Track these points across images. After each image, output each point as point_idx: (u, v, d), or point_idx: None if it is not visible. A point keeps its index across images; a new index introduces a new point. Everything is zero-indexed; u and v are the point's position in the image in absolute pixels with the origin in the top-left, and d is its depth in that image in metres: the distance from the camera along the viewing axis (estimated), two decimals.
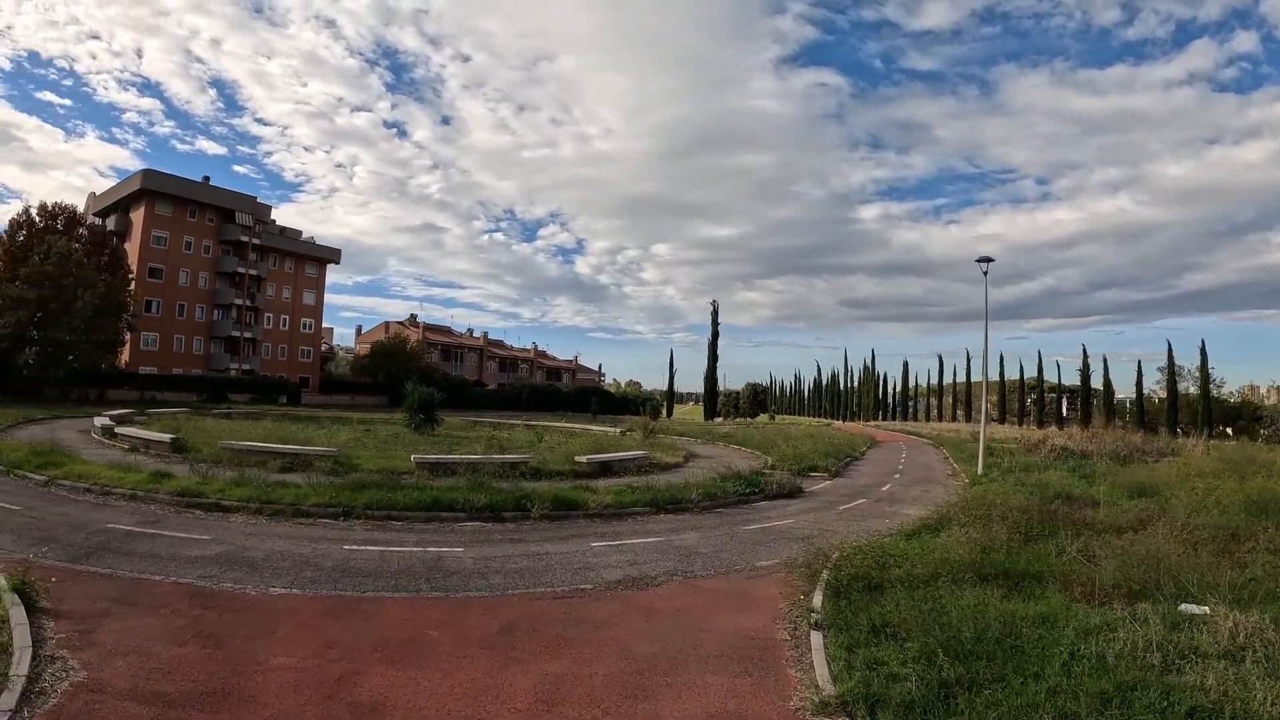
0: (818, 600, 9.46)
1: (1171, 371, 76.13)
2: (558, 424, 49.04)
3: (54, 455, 19.41)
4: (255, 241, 75.30)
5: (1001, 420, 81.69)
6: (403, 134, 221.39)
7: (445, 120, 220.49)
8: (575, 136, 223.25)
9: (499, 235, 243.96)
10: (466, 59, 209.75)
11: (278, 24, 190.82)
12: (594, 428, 44.94)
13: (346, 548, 12.62)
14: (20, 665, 6.60)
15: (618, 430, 42.23)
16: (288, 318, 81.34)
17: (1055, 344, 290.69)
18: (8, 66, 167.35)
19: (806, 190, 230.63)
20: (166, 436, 24.38)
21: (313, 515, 15.10)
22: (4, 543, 11.58)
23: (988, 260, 28.79)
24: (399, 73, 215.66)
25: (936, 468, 31.95)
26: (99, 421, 29.79)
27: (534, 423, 49.29)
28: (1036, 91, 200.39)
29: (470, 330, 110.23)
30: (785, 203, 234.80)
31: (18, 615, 7.79)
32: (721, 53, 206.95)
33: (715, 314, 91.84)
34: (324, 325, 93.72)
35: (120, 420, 30.61)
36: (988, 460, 28.62)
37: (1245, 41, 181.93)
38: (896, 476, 27.50)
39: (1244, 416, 71.54)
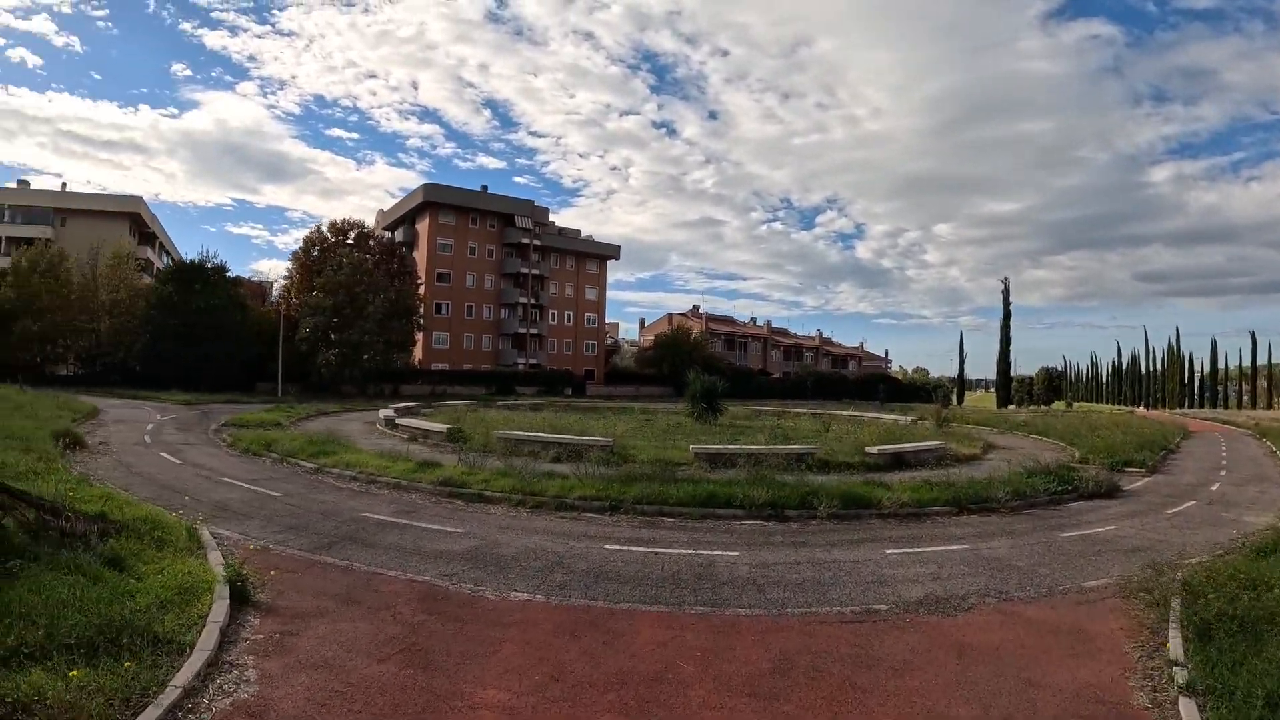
0: (1176, 645, 7.19)
1: None
2: (844, 412, 46.30)
3: (328, 445, 20.56)
4: (535, 243, 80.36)
5: None
6: (672, 133, 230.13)
7: (712, 115, 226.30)
8: (844, 119, 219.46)
9: (776, 224, 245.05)
10: (725, 53, 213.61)
11: (539, 43, 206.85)
12: (883, 416, 41.60)
13: (607, 547, 11.30)
14: (187, 672, 5.73)
15: (908, 419, 38.75)
16: (571, 313, 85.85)
17: None
18: (298, 111, 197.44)
19: (1090, 155, 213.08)
20: (443, 427, 25.33)
21: (577, 509, 14.19)
22: (252, 528, 11.66)
23: None
24: (661, 74, 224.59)
25: (1266, 464, 27.44)
26: (383, 413, 32.21)
27: (819, 411, 46.92)
28: None
29: (753, 319, 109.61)
30: (1069, 170, 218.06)
31: (219, 611, 7.14)
32: (983, 15, 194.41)
33: (1006, 292, 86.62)
34: (609, 320, 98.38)
35: (403, 412, 33.00)
36: None
37: None
38: (1223, 474, 24.05)
39: None
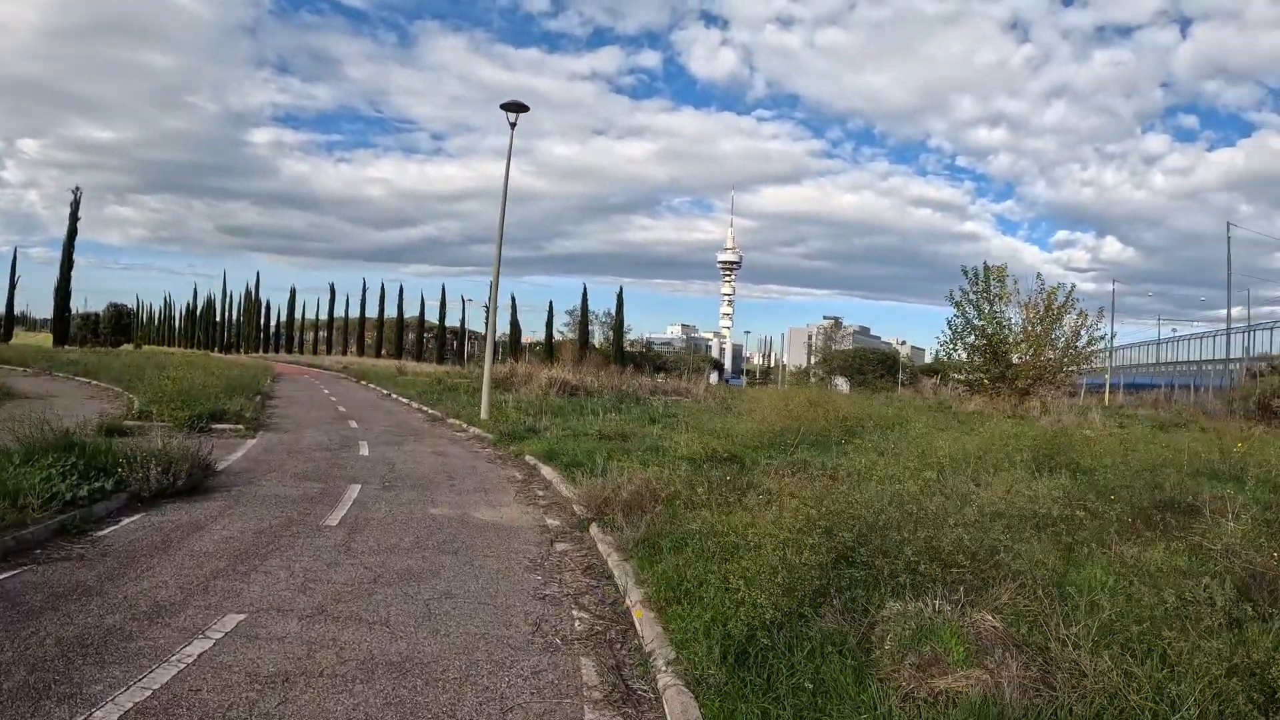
0: None
1: (585, 316, 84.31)
2: None
3: None
4: None
5: (398, 355, 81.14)
6: None
7: None
8: None
9: None
10: None
11: None
12: None
13: None
14: None
15: None
16: None
17: (432, 289, 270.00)
18: None
19: (203, 103, 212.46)
20: None
21: None
22: None
23: (520, 109, 21.95)
24: None
25: (393, 409, 24.88)
26: None
27: None
28: (452, 54, 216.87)
29: None
30: (179, 112, 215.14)
31: None
32: None
33: (76, 205, 66.09)
34: None
35: None
36: (466, 399, 24.73)
37: (650, 59, 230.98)
38: (354, 425, 18.98)
39: (649, 362, 77.11)
